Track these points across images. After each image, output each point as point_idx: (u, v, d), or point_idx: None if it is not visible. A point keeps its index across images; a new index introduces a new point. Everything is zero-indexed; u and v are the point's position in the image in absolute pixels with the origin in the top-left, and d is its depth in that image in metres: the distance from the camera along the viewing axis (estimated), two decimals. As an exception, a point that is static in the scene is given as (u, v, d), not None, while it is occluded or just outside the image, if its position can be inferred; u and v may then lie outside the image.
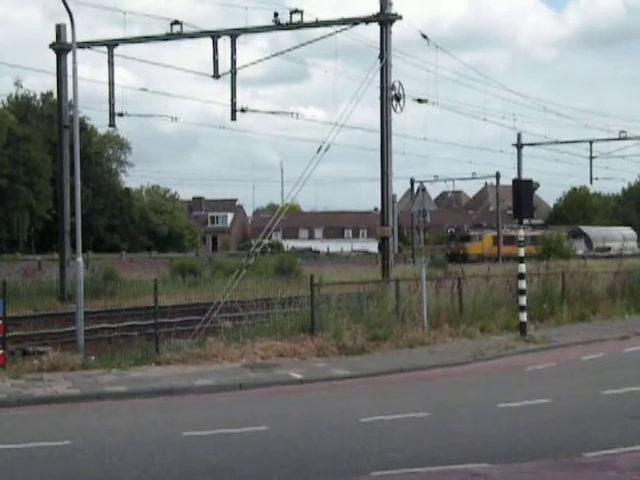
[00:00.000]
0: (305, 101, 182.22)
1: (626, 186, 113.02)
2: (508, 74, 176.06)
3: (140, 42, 33.54)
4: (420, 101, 32.98)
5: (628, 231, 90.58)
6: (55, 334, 21.36)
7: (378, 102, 28.73)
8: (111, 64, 32.68)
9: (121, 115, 33.39)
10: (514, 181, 22.85)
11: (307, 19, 29.91)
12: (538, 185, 66.78)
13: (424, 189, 22.54)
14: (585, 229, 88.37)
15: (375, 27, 28.90)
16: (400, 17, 28.75)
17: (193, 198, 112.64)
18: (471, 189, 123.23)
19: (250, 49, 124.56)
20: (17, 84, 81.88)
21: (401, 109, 28.62)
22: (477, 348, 18.99)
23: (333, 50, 31.45)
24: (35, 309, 26.60)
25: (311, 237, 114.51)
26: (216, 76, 31.27)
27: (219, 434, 10.76)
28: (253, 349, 17.63)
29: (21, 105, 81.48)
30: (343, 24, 29.79)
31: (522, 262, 21.34)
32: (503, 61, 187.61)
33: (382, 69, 28.38)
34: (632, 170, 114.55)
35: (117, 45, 32.67)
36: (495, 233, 75.39)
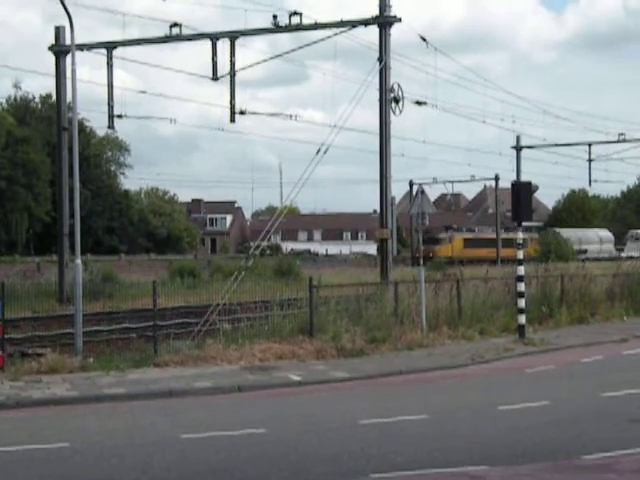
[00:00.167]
0: (304, 103, 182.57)
1: (625, 188, 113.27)
2: (507, 77, 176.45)
3: (139, 44, 33.55)
4: (419, 103, 32.99)
5: (605, 233, 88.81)
6: (54, 336, 21.35)
7: (377, 104, 28.74)
8: (110, 66, 32.68)
9: (120, 117, 33.38)
10: (513, 183, 22.86)
11: (306, 21, 29.93)
12: (537, 187, 66.74)
13: (423, 191, 22.51)
14: (559, 231, 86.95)
15: (374, 29, 28.91)
16: (399, 19, 28.77)
17: (192, 200, 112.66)
18: (470, 191, 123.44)
19: (249, 51, 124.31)
20: (16, 86, 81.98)
21: (400, 111, 28.65)
22: (476, 351, 18.99)
23: (332, 52, 31.45)
24: (34, 311, 26.59)
25: (310, 239, 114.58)
26: (215, 78, 31.27)
27: (218, 436, 10.75)
28: (252, 351, 17.62)
29: (20, 107, 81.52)
30: (342, 26, 29.78)
31: (521, 264, 21.35)
32: (502, 64, 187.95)
33: (381, 71, 28.39)
34: (631, 172, 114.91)
35: (116, 47, 32.67)
36: (466, 235, 74.41)
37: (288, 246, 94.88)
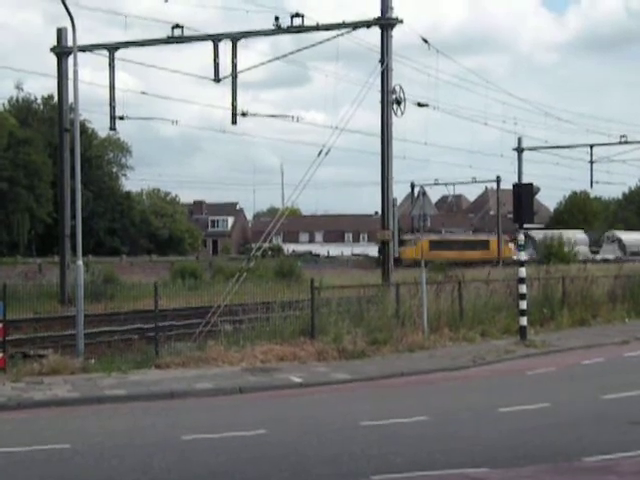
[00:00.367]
0: (306, 105, 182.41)
1: (627, 190, 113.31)
2: (509, 78, 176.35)
3: (141, 45, 33.55)
4: (421, 105, 32.98)
5: (579, 235, 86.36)
6: (55, 337, 21.37)
7: (379, 106, 28.75)
8: (112, 67, 32.70)
9: (122, 118, 33.40)
10: (514, 185, 22.85)
11: (308, 23, 29.94)
12: (539, 189, 66.66)
13: (424, 193, 22.51)
14: (533, 233, 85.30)
15: (376, 31, 28.94)
16: (401, 21, 28.80)
17: (194, 202, 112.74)
18: (472, 193, 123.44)
19: (251, 53, 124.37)
20: (18, 87, 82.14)
21: (402, 113, 28.67)
22: (477, 352, 18.99)
23: (334, 54, 31.57)
24: (35, 312, 26.65)
25: (311, 241, 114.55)
26: (217, 80, 31.29)
27: (219, 437, 10.76)
28: (253, 353, 17.63)
29: (22, 108, 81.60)
30: (344, 28, 29.80)
31: (522, 266, 21.35)
32: (504, 65, 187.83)
33: (383, 73, 28.40)
34: (633, 174, 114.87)
35: (118, 48, 32.69)
36: (432, 237, 73.45)
37: (289, 248, 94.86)
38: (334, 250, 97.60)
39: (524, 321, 21.09)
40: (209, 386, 14.88)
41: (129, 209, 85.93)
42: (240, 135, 60.55)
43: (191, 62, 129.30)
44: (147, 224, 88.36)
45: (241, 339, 18.65)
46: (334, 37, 29.96)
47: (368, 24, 29.21)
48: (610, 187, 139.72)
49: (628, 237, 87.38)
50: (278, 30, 30.41)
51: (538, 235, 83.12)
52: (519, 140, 59.52)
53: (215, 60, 31.18)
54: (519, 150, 60.24)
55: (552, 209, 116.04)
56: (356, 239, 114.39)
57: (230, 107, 31.27)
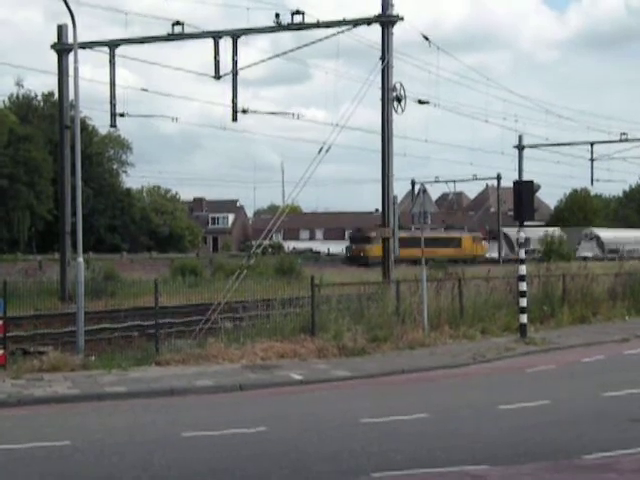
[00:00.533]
0: (306, 102, 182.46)
1: (627, 188, 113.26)
2: (510, 76, 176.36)
3: (141, 42, 33.55)
4: (421, 102, 32.99)
5: (556, 233, 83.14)
6: (55, 334, 21.37)
7: (379, 103, 28.75)
8: (112, 64, 32.70)
9: (122, 115, 33.41)
10: (515, 183, 22.85)
11: (308, 20, 29.94)
12: (539, 187, 66.70)
13: (425, 190, 22.50)
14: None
15: (376, 28, 28.92)
16: (402, 18, 28.77)
17: (194, 199, 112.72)
18: (472, 191, 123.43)
19: (251, 50, 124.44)
20: (18, 84, 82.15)
21: (402, 110, 28.65)
22: (477, 350, 18.99)
23: (334, 51, 31.67)
24: (36, 309, 26.62)
25: (312, 238, 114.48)
26: (217, 77, 31.29)
27: (219, 435, 10.76)
28: (253, 350, 17.63)
29: (22, 105, 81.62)
30: (344, 25, 29.80)
31: (523, 264, 21.35)
32: (505, 63, 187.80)
33: (383, 70, 28.39)
34: (633, 172, 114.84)
35: (118, 45, 32.69)
36: (400, 234, 72.05)
37: (290, 245, 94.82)
38: (334, 247, 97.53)
39: (524, 319, 21.09)
40: (209, 383, 14.88)
41: (129, 206, 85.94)
42: (240, 132, 60.78)
43: (191, 59, 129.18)
44: (147, 221, 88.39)
45: (241, 336, 18.65)
46: (334, 34, 29.97)
47: (369, 21, 29.20)
48: (611, 185, 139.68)
49: (606, 234, 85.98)
50: (278, 27, 30.41)
51: (511, 233, 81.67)
52: (520, 138, 59.57)
53: (215, 57, 31.18)
54: (520, 148, 60.26)
55: (553, 207, 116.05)
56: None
57: (230, 104, 31.29)
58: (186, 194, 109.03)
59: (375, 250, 67.76)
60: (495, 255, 76.38)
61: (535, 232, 79.56)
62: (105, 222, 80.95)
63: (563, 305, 25.32)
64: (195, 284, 32.71)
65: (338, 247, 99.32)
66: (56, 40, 33.29)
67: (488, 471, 8.43)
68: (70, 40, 27.21)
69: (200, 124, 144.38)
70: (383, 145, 28.85)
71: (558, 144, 59.14)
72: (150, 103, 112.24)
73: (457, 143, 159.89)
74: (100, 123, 73.98)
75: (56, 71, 33.93)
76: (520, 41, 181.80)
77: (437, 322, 21.29)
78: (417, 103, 32.65)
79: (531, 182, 23.06)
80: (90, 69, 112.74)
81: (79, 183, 19.33)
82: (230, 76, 31.17)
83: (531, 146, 60.63)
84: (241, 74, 31.43)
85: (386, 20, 28.56)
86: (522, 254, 21.63)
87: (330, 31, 30.10)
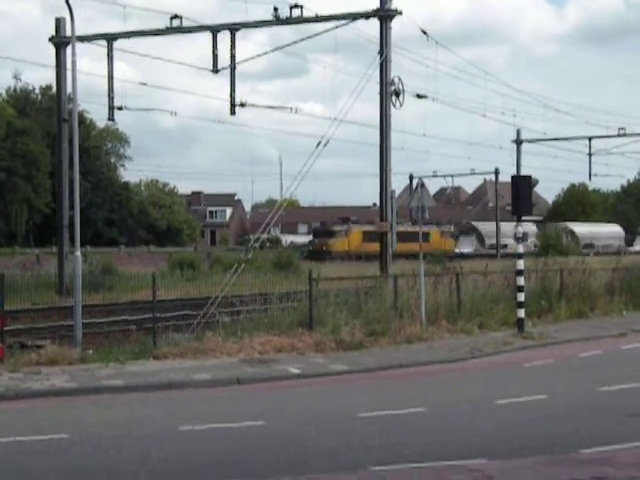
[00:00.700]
0: (305, 96, 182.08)
1: (625, 183, 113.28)
2: (508, 70, 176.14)
3: (139, 36, 33.49)
4: (420, 97, 32.97)
5: (529, 227, 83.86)
6: (53, 328, 21.37)
7: (377, 97, 28.72)
8: (110, 58, 32.65)
9: (120, 109, 33.36)
10: (513, 177, 22.86)
11: (307, 14, 29.89)
12: (537, 181, 66.53)
13: (423, 185, 22.48)
14: (477, 225, 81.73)
15: (375, 22, 28.87)
16: (400, 12, 28.74)
17: (192, 192, 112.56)
18: (470, 185, 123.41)
19: (249, 44, 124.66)
20: (16, 77, 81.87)
21: (400, 105, 28.63)
22: (475, 344, 19.01)
23: (333, 45, 31.59)
24: (33, 303, 26.63)
25: (310, 232, 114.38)
26: (215, 71, 31.25)
27: (216, 428, 10.77)
28: (251, 344, 17.64)
29: (20, 98, 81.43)
30: (343, 19, 29.76)
31: (520, 258, 21.36)
32: (503, 57, 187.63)
33: (382, 64, 28.36)
34: (631, 167, 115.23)
35: (116, 39, 32.63)
36: (366, 228, 67.88)
37: (288, 239, 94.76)
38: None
39: (522, 313, 21.11)
40: (207, 377, 14.88)
41: (127, 200, 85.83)
42: (239, 126, 61.02)
43: (190, 53, 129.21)
44: (145, 215, 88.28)
45: (239, 330, 18.66)
46: (333, 28, 29.93)
47: (367, 15, 29.16)
48: (608, 179, 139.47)
49: (580, 229, 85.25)
50: (277, 21, 30.36)
51: (484, 227, 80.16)
52: (518, 132, 59.54)
53: (214, 51, 31.14)
54: (518, 142, 60.25)
55: (551, 201, 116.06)
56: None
57: (228, 98, 31.27)
58: (184, 188, 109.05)
59: (338, 245, 66.20)
60: (466, 250, 75.29)
61: (506, 226, 78.17)
62: (103, 216, 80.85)
63: (561, 300, 25.34)
64: (193, 278, 32.73)
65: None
66: (54, 33, 33.21)
67: (485, 465, 8.44)
68: (68, 33, 27.15)
69: (198, 118, 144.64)
70: (381, 139, 28.83)
71: (556, 139, 59.12)
72: (148, 96, 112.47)
73: (455, 137, 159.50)
74: (98, 116, 73.79)
75: (54, 64, 33.86)
76: (518, 35, 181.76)
77: (435, 316, 21.31)
78: (415, 97, 32.65)
79: (529, 177, 23.06)
80: (88, 62, 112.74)
81: (77, 176, 19.32)
82: (228, 70, 31.13)
83: (529, 141, 60.62)
84: (239, 68, 31.42)
85: (384, 14, 28.52)
86: (520, 249, 21.63)
87: (328, 25, 30.09)
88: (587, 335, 21.39)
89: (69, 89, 29.35)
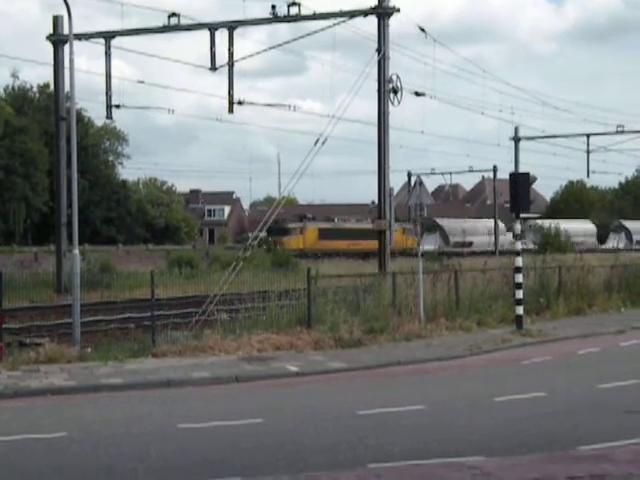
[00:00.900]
0: (303, 94, 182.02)
1: (623, 180, 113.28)
2: (507, 68, 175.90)
3: (137, 34, 33.51)
4: (418, 94, 32.98)
5: (493, 224, 79.34)
6: (52, 326, 21.38)
7: (376, 95, 28.73)
8: (108, 56, 32.67)
9: (118, 107, 33.38)
10: (511, 174, 22.88)
11: (305, 11, 29.92)
12: (535, 179, 66.47)
13: (421, 182, 22.50)
14: (441, 221, 78.36)
15: (373, 20, 28.89)
16: (398, 10, 28.75)
17: (190, 190, 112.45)
18: (468, 182, 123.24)
19: (247, 41, 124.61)
20: (14, 75, 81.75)
21: (399, 102, 28.65)
22: (474, 341, 19.02)
23: (331, 43, 31.53)
24: (32, 301, 26.62)
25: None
26: (213, 68, 31.27)
27: (215, 426, 10.77)
28: (250, 342, 17.65)
29: (18, 97, 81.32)
30: (341, 17, 29.77)
31: (519, 256, 21.37)
32: (502, 55, 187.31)
33: (380, 62, 28.37)
34: (629, 164, 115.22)
35: (114, 37, 32.63)
36: (322, 225, 69.11)
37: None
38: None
39: (520, 310, 21.13)
40: (206, 375, 14.89)
41: (125, 198, 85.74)
42: (237, 124, 60.83)
43: (188, 51, 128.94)
44: (143, 213, 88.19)
45: (237, 328, 18.67)
46: (331, 26, 29.96)
47: (365, 13, 29.17)
48: (607, 177, 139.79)
49: (551, 226, 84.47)
50: (275, 19, 30.37)
51: (448, 224, 78.45)
52: (516, 129, 59.52)
53: (212, 49, 31.16)
54: (516, 139, 60.22)
55: (549, 199, 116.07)
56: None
57: (227, 96, 31.29)
58: (182, 186, 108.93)
59: (293, 242, 65.19)
60: (429, 248, 74.27)
61: (473, 223, 77.10)
62: (101, 214, 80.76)
63: (559, 297, 25.37)
64: (191, 276, 32.70)
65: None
66: (52, 31, 33.20)
67: (484, 462, 8.44)
68: (66, 31, 27.12)
69: (196, 116, 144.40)
70: (379, 137, 28.84)
71: (554, 136, 59.15)
72: (146, 95, 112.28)
73: (453, 135, 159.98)
74: (96, 115, 73.69)
75: (52, 62, 33.85)
76: (517, 33, 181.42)
77: (433, 314, 21.32)
78: (413, 95, 32.66)
79: (527, 174, 23.08)
80: (86, 60, 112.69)
81: (75, 175, 19.31)
82: (226, 68, 31.15)
83: (527, 138, 60.61)
84: (237, 66, 31.49)
85: (382, 12, 28.53)
86: (518, 246, 21.66)
87: (326, 23, 30.12)
88: (585, 332, 21.40)
89: (67, 87, 29.34)
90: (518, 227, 21.69)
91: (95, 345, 17.92)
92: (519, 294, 21.12)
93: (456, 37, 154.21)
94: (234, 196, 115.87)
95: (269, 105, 34.50)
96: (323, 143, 24.81)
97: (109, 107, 33.29)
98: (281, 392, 13.97)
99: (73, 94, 19.86)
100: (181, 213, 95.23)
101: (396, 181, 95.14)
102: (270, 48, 33.67)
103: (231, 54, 31.02)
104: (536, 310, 23.88)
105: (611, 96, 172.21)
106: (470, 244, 67.52)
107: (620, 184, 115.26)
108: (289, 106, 33.69)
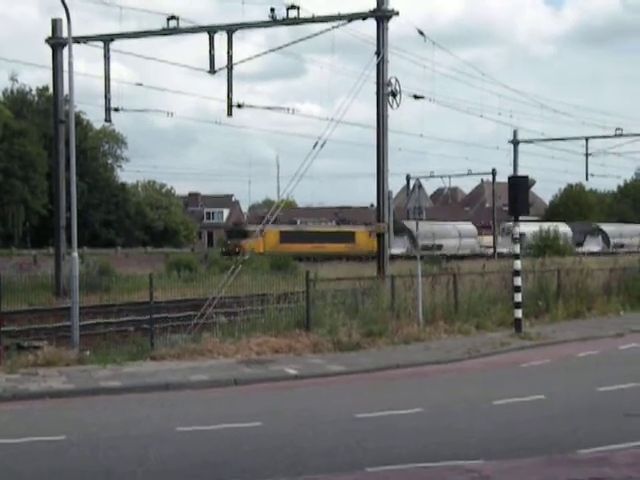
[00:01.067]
0: (302, 97, 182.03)
1: (622, 183, 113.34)
2: (505, 71, 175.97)
3: (136, 37, 33.50)
4: (416, 97, 33.00)
5: (466, 226, 79.19)
6: (50, 329, 21.35)
7: (374, 98, 28.73)
8: (107, 59, 32.65)
9: (117, 110, 33.35)
10: (510, 178, 22.86)
11: (304, 14, 29.91)
12: (534, 182, 66.53)
13: (420, 185, 22.51)
14: (408, 224, 78.73)
15: (372, 23, 28.90)
16: (397, 13, 28.77)
17: (189, 193, 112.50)
18: (467, 186, 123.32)
19: (246, 45, 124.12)
20: (13, 79, 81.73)
21: (397, 105, 28.66)
22: (472, 345, 19.01)
23: (330, 46, 31.72)
24: (30, 304, 26.62)
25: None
26: (212, 71, 31.27)
27: (214, 429, 10.76)
28: (248, 345, 17.63)
29: (17, 100, 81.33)
30: (340, 20, 29.78)
31: (517, 259, 21.37)
32: (500, 57, 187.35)
33: (378, 65, 28.37)
34: (628, 167, 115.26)
35: (113, 40, 32.62)
36: (283, 228, 66.18)
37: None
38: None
39: (519, 313, 21.12)
40: (204, 378, 14.88)
41: (124, 201, 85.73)
42: (236, 127, 60.78)
43: (187, 54, 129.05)
44: (142, 216, 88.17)
45: (236, 331, 18.66)
46: (330, 29, 29.96)
47: (364, 16, 29.18)
48: (605, 180, 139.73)
49: (527, 229, 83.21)
50: (274, 22, 30.38)
51: (415, 227, 77.10)
52: (515, 133, 59.57)
53: (210, 52, 31.16)
54: (515, 142, 60.27)
55: (547, 202, 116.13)
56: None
57: (226, 99, 31.27)
58: (181, 189, 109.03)
59: (252, 246, 64.14)
60: (396, 251, 73.46)
61: (442, 226, 76.26)
62: (100, 217, 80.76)
63: (558, 300, 25.35)
64: (190, 279, 32.69)
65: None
66: (50, 34, 33.20)
67: (483, 466, 8.42)
68: (65, 34, 27.12)
69: (195, 119, 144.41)
70: (378, 140, 28.84)
71: (553, 139, 59.17)
72: (145, 98, 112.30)
73: (452, 138, 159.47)
74: (95, 118, 73.86)
75: (51, 66, 33.85)
76: (516, 36, 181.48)
77: (432, 317, 21.31)
78: (412, 98, 32.67)
79: (526, 177, 23.07)
80: (85, 63, 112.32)
81: (74, 178, 19.32)
82: (225, 71, 31.15)
83: (526, 141, 60.63)
84: (236, 69, 31.45)
85: (381, 15, 28.54)
86: (517, 249, 21.66)
87: (325, 26, 30.11)
88: (585, 335, 21.39)
89: (66, 90, 29.31)
90: (517, 230, 21.69)
91: (94, 348, 17.91)
92: (518, 297, 21.12)
93: (455, 40, 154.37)
94: (233, 199, 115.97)
95: (268, 108, 34.67)
96: (322, 146, 24.81)
97: (108, 110, 33.27)
98: (280, 395, 13.95)
99: (72, 97, 19.86)
100: (180, 216, 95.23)
101: (395, 184, 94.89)
102: (269, 51, 33.71)
103: (230, 57, 31.02)
104: (535, 313, 23.86)
105: (610, 99, 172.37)
106: (440, 247, 66.80)
107: (619, 187, 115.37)
108: (288, 109, 33.76)
